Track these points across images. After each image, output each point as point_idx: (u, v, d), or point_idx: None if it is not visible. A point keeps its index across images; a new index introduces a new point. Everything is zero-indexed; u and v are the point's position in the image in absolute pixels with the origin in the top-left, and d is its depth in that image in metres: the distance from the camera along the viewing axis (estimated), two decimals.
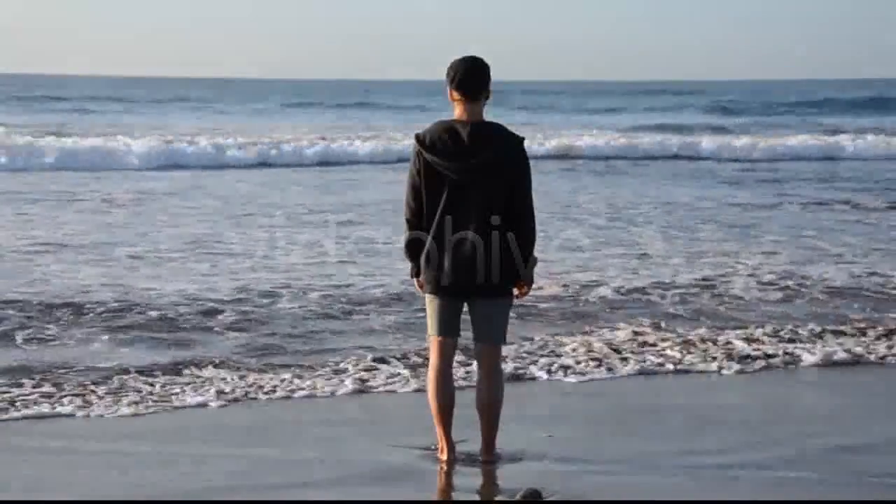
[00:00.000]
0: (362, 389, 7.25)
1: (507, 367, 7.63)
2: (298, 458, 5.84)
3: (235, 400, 6.98)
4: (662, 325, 9.15)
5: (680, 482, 5.50)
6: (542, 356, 8.08)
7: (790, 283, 10.91)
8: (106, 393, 7.01)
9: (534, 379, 7.61)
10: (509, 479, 5.45)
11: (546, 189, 18.39)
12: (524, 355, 8.09)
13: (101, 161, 23.41)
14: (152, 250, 12.35)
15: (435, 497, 5.36)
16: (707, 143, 30.73)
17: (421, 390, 6.92)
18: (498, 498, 5.26)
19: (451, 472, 5.56)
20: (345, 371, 7.63)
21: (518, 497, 5.11)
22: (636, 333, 8.80)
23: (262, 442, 6.19)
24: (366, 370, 7.65)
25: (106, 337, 8.49)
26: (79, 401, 6.82)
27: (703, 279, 11.03)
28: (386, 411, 6.88)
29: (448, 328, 5.49)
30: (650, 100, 68.00)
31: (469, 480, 5.48)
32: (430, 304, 5.49)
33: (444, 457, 5.63)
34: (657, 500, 5.30)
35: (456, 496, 5.41)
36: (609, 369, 7.83)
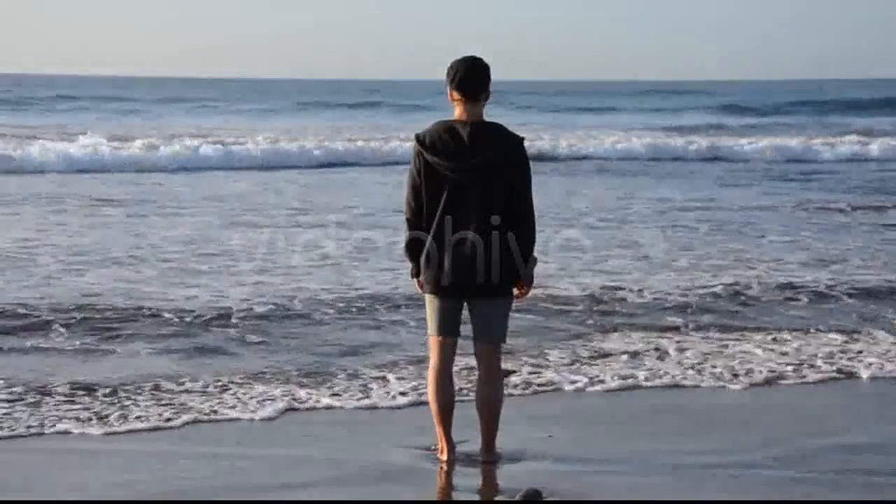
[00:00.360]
0: (417, 402, 6.89)
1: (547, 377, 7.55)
2: (299, 458, 5.84)
3: (278, 409, 6.74)
4: (693, 329, 9.02)
5: (680, 482, 5.50)
6: (585, 364, 7.90)
7: (813, 286, 10.74)
8: (147, 405, 6.77)
9: (581, 390, 7.32)
10: (509, 479, 5.45)
11: (555, 190, 18.40)
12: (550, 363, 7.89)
13: (100, 163, 23.18)
14: (160, 253, 12.14)
15: (435, 497, 5.36)
16: (712, 143, 30.53)
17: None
18: (498, 498, 5.27)
19: (451, 472, 5.56)
20: (383, 380, 7.39)
21: (518, 497, 5.11)
22: (676, 337, 8.71)
23: (262, 442, 6.19)
24: (400, 378, 7.42)
25: (127, 345, 8.27)
26: (116, 414, 6.58)
27: (725, 283, 10.77)
28: (389, 413, 6.84)
29: (448, 328, 5.49)
30: (656, 100, 67.87)
31: (469, 480, 5.48)
32: (430, 303, 5.49)
33: (444, 457, 5.63)
34: (657, 500, 5.30)
35: (456, 496, 5.41)
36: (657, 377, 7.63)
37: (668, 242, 13.50)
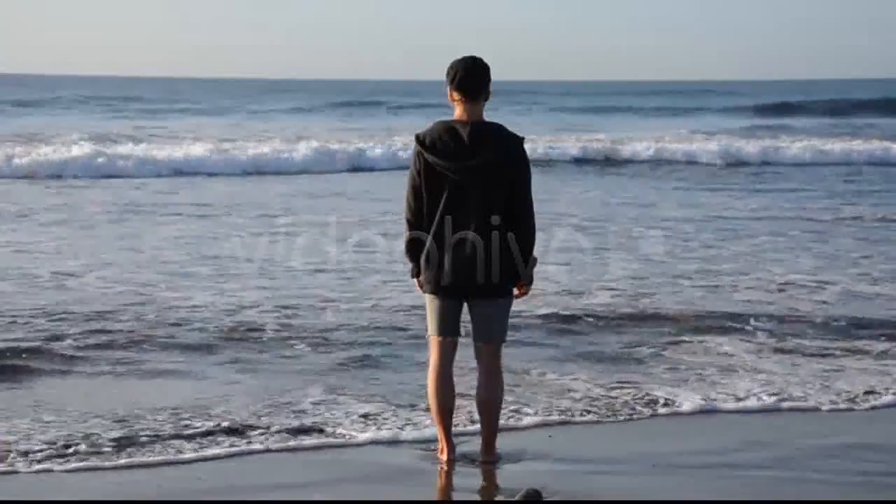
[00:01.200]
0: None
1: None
2: (298, 458, 5.84)
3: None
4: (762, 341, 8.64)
5: (680, 482, 5.50)
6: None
7: (861, 296, 10.31)
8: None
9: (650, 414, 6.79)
10: (509, 479, 5.45)
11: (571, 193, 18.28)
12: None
13: (98, 167, 22.59)
14: (174, 263, 11.62)
15: (435, 497, 5.37)
16: (719, 145, 30.00)
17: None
18: (498, 498, 5.27)
19: (451, 472, 5.56)
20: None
21: (518, 497, 5.11)
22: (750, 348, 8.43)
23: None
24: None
25: (169, 366, 7.67)
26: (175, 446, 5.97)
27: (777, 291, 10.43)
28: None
29: (448, 328, 5.49)
30: (673, 100, 67.53)
31: (469, 480, 5.48)
32: (430, 303, 5.50)
33: (444, 457, 5.64)
34: (657, 500, 5.30)
35: (456, 496, 5.41)
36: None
37: (698, 249, 13.13)
